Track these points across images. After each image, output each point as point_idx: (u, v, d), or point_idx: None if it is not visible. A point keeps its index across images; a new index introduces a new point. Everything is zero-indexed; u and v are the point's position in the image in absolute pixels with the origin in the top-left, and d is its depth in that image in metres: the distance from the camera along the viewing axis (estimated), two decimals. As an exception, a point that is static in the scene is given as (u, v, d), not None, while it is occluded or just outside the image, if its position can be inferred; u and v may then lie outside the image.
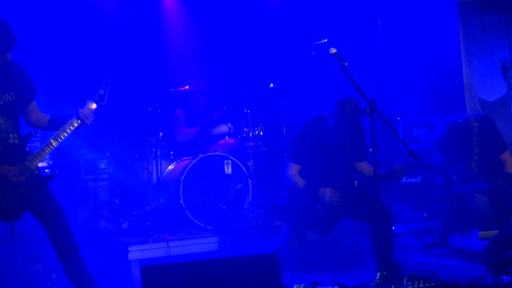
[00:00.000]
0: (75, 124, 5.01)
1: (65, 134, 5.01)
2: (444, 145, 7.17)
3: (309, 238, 6.06)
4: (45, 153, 4.98)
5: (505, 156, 6.95)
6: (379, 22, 9.47)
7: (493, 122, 7.11)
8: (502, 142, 7.03)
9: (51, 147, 4.98)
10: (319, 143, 5.88)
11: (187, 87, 7.98)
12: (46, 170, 6.27)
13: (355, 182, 5.98)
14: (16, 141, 4.88)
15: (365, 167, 6.03)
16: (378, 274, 4.95)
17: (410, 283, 4.52)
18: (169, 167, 7.73)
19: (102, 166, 8.00)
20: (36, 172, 4.95)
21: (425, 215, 8.48)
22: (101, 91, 5.18)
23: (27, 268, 5.99)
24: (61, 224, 5.05)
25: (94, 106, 5.06)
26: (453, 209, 7.23)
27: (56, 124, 5.07)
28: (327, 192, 5.70)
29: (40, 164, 5.76)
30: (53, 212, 5.05)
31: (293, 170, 5.92)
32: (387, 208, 5.79)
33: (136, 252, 6.41)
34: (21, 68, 4.99)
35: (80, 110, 5.00)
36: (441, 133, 7.16)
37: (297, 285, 4.69)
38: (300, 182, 5.85)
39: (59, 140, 4.99)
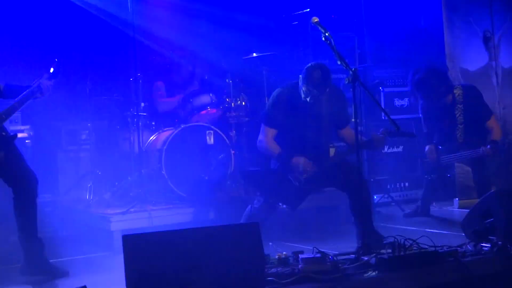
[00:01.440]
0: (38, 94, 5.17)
1: (26, 102, 5.15)
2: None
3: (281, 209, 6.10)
4: (6, 117, 5.07)
5: (491, 123, 6.95)
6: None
7: (477, 90, 7.11)
8: (487, 109, 7.04)
9: (13, 112, 5.12)
10: (294, 109, 5.83)
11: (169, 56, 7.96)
12: (27, 141, 6.24)
13: (334, 149, 5.96)
14: None
15: (347, 133, 5.99)
16: (360, 243, 4.98)
17: (391, 251, 4.55)
18: (151, 138, 7.70)
19: (83, 136, 7.97)
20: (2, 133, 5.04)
21: (407, 184, 8.54)
22: (51, 69, 5.27)
23: (9, 238, 5.98)
24: (27, 188, 5.19)
25: (50, 82, 5.21)
26: (438, 179, 7.26)
27: (12, 93, 5.20)
28: (301, 162, 5.71)
29: (20, 135, 5.80)
30: (18, 174, 5.16)
31: (269, 135, 5.88)
32: (363, 178, 5.79)
33: (119, 223, 6.41)
34: None
35: (41, 81, 5.14)
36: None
37: (279, 254, 4.70)
38: (275, 149, 5.83)
39: (21, 106, 5.15)
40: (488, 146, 6.72)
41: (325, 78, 5.64)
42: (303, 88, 5.69)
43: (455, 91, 7.03)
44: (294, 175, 5.75)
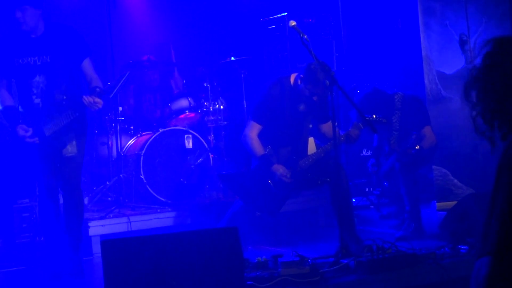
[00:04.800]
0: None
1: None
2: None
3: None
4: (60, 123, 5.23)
5: (425, 131, 6.59)
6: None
7: (418, 100, 6.83)
8: (424, 119, 6.70)
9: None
10: (282, 106, 5.84)
11: (146, 57, 7.94)
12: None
13: (312, 139, 5.99)
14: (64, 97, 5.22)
15: (327, 127, 5.99)
16: (339, 246, 5.00)
17: (369, 254, 4.57)
18: (129, 142, 7.67)
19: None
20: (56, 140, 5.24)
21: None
22: (113, 83, 5.36)
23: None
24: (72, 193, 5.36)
25: (98, 100, 5.16)
26: (390, 187, 7.15)
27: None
28: (279, 171, 5.74)
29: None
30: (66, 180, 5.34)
31: (254, 130, 5.87)
32: (342, 166, 5.82)
33: (97, 228, 6.37)
34: (65, 31, 5.37)
35: (84, 97, 5.16)
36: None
37: (259, 258, 4.71)
38: (259, 150, 5.83)
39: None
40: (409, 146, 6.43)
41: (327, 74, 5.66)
42: (307, 87, 5.71)
43: (395, 97, 6.80)
44: (272, 179, 5.77)
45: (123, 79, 5.33)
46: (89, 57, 5.41)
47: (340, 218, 5.56)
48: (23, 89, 5.33)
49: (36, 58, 5.25)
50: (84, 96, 5.16)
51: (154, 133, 7.32)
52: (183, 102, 7.94)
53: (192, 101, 7.91)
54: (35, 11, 5.20)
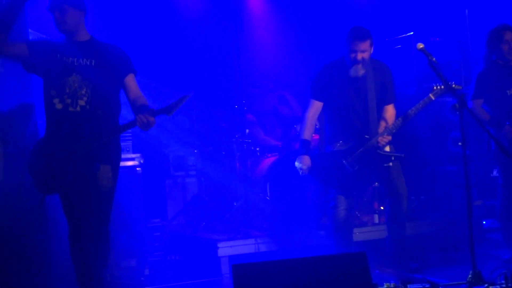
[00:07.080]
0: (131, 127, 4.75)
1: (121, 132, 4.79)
2: None
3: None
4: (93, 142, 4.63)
5: None
6: (466, 12, 9.26)
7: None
8: None
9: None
10: (339, 82, 5.87)
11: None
12: (137, 169, 6.42)
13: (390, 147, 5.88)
14: (88, 106, 4.64)
15: (389, 112, 5.98)
16: (471, 272, 4.87)
17: (504, 281, 4.43)
18: (256, 164, 7.78)
19: (190, 162, 8.15)
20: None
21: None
22: (173, 103, 4.68)
23: (122, 263, 6.16)
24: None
25: (152, 119, 4.62)
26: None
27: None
28: (302, 162, 5.88)
29: (131, 163, 5.89)
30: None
31: (312, 109, 5.96)
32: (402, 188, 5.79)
33: (225, 249, 6.50)
34: (111, 45, 4.88)
35: (140, 115, 4.64)
36: None
37: (387, 283, 4.67)
38: (307, 132, 5.93)
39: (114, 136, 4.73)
40: None
41: (363, 29, 5.82)
42: (349, 52, 5.77)
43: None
44: (348, 160, 5.77)
45: (185, 99, 4.67)
46: (134, 74, 4.92)
47: (470, 241, 5.40)
48: (51, 88, 4.68)
49: (75, 59, 4.72)
50: (139, 115, 4.60)
51: (280, 155, 7.40)
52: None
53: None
54: (75, 12, 4.71)
